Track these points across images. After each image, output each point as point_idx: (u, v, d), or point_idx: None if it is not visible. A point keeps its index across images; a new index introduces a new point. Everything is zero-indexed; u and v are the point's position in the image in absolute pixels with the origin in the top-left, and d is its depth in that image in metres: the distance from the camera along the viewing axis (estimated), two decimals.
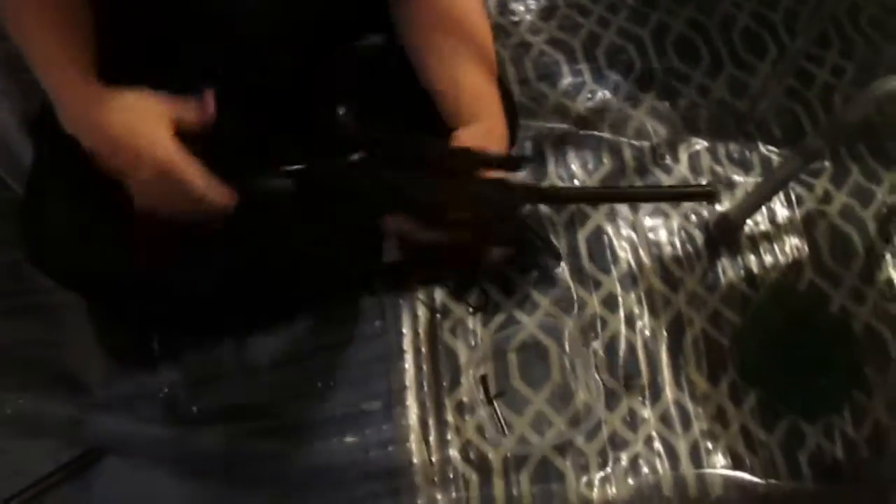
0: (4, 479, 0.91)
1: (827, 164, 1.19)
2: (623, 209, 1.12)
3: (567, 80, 1.23)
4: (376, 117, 0.82)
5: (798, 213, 1.15)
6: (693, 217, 1.13)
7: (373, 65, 0.85)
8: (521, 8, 1.30)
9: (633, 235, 1.11)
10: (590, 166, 1.16)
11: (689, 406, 1.01)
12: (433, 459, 0.95)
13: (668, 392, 1.01)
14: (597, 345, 1.03)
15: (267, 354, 0.99)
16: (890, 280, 1.11)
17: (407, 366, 1.00)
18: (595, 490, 0.95)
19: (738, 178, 1.17)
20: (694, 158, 1.18)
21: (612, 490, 0.95)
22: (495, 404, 0.98)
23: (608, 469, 0.96)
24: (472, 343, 1.02)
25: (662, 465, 0.97)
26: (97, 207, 0.74)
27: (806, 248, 1.12)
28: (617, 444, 0.98)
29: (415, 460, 0.95)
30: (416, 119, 0.76)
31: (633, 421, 0.99)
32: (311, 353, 0.99)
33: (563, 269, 1.07)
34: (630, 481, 0.96)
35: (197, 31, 0.74)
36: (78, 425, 0.94)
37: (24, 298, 1.00)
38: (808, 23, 1.28)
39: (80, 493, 0.91)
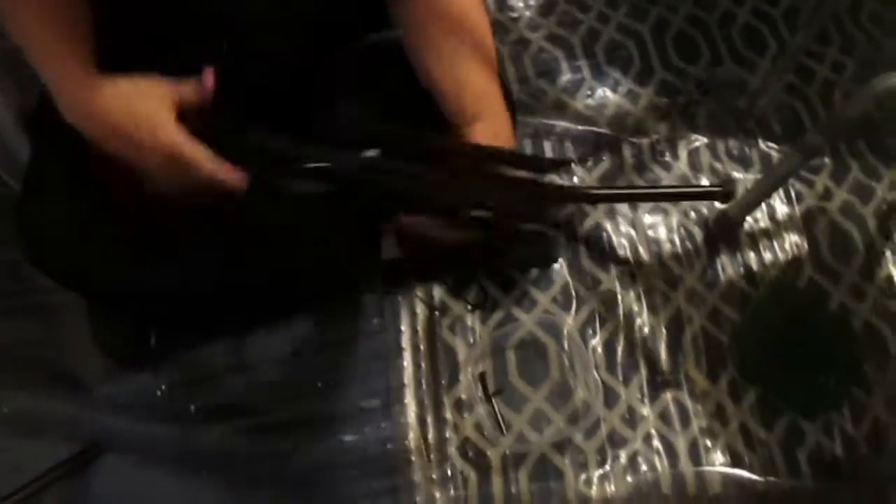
0: (3, 476, 0.90)
1: (827, 160, 1.19)
2: (622, 206, 1.12)
3: (566, 77, 1.23)
4: (376, 116, 0.82)
5: (798, 209, 1.15)
6: (692, 214, 1.13)
7: (373, 64, 0.85)
8: (520, 4, 1.30)
9: (633, 232, 1.11)
10: (589, 163, 1.15)
11: (689, 404, 1.01)
12: (432, 457, 0.95)
13: (667, 390, 1.01)
14: (596, 342, 1.03)
15: (266, 353, 0.98)
16: (890, 277, 1.11)
17: (405, 363, 1.00)
18: (594, 488, 0.95)
19: (737, 174, 1.17)
20: (693, 155, 1.18)
21: (610, 488, 0.95)
22: (494, 402, 0.98)
23: (607, 467, 0.96)
24: (471, 340, 1.02)
25: (661, 463, 0.97)
26: (96, 206, 0.74)
27: (805, 245, 1.12)
28: (616, 441, 0.98)
29: (413, 458, 0.95)
30: (417, 118, 0.76)
31: (631, 418, 0.99)
32: (310, 352, 0.99)
33: (562, 266, 1.07)
34: (629, 479, 0.96)
35: (197, 30, 0.74)
36: (77, 423, 0.94)
37: (24, 298, 1.00)
38: (808, 19, 1.28)
39: (78, 491, 0.91)
